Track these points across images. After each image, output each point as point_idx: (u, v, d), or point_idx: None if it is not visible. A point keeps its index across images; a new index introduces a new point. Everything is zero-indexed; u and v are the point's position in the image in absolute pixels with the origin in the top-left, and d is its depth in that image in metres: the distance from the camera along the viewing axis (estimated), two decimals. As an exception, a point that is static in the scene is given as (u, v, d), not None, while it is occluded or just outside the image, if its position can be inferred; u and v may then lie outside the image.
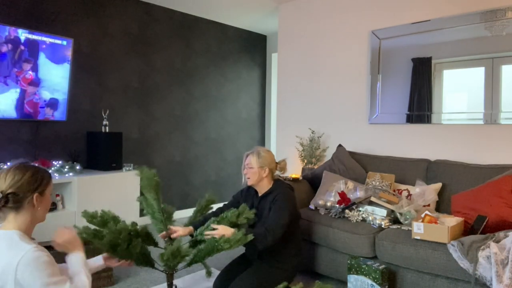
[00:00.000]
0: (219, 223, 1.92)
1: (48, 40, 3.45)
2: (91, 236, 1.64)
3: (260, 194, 2.33)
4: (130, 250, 1.67)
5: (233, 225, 1.92)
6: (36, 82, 3.42)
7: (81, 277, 1.38)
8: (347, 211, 2.72)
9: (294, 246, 2.31)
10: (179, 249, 1.59)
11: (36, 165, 1.43)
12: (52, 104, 3.55)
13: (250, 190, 2.42)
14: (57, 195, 3.41)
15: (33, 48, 3.36)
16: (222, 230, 1.88)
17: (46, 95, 3.51)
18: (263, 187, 2.32)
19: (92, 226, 1.71)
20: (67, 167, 3.49)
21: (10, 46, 3.22)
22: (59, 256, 1.47)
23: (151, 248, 1.82)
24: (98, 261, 1.68)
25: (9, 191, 1.29)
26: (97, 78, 4.03)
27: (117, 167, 3.81)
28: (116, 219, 1.76)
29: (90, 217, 1.74)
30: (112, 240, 1.64)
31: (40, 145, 3.62)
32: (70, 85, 3.68)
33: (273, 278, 2.11)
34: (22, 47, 3.29)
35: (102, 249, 1.64)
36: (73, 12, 3.81)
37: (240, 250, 2.23)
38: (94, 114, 3.99)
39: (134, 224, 1.81)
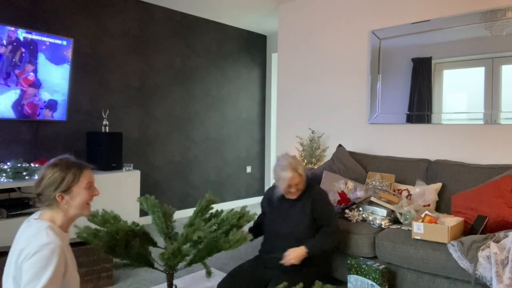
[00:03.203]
0: (219, 225, 1.90)
1: (48, 40, 3.45)
2: (92, 236, 1.63)
3: (294, 197, 2.29)
4: (128, 250, 1.66)
5: (233, 226, 1.91)
6: (36, 84, 3.42)
7: None
8: (347, 211, 2.72)
9: None
10: (179, 249, 1.59)
11: (65, 161, 1.45)
12: (51, 105, 3.55)
13: (274, 195, 2.36)
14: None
15: (32, 49, 3.36)
16: (290, 258, 2.08)
17: (45, 96, 3.51)
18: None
19: (93, 226, 1.70)
20: (67, 167, 3.48)
21: (10, 47, 3.22)
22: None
23: (151, 248, 1.81)
24: None
25: (37, 191, 1.38)
26: (97, 78, 4.03)
27: (117, 167, 3.81)
28: (116, 218, 1.76)
29: (91, 216, 1.74)
30: (110, 241, 1.63)
31: (40, 145, 3.62)
32: (70, 85, 3.68)
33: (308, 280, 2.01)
34: (23, 49, 3.29)
35: (101, 249, 1.64)
36: (73, 12, 3.81)
37: (244, 253, 2.22)
38: (94, 114, 3.99)
39: (134, 224, 1.81)
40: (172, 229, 1.86)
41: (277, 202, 2.35)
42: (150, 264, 1.77)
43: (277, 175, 2.25)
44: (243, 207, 2.02)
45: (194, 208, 1.98)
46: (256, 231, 2.42)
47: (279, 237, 2.25)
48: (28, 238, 1.30)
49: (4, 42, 3.19)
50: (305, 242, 2.18)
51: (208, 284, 2.14)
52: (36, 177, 1.46)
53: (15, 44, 3.25)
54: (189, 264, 1.76)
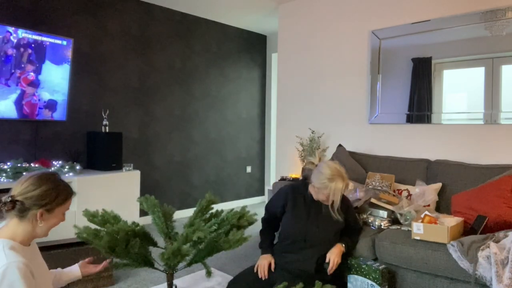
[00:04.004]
0: (219, 225, 1.90)
1: (48, 40, 3.45)
2: (92, 236, 1.63)
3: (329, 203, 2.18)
4: (128, 250, 1.66)
5: (233, 227, 1.90)
6: (35, 83, 3.42)
7: None
8: (347, 211, 2.72)
9: None
10: (179, 249, 1.59)
11: (60, 180, 1.38)
12: (51, 105, 3.55)
13: (300, 193, 2.27)
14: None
15: (40, 52, 3.37)
16: (335, 257, 2.13)
17: (45, 96, 3.51)
18: None
19: (93, 226, 1.70)
20: (67, 167, 3.48)
21: (21, 50, 3.24)
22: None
23: (151, 248, 1.81)
24: (75, 270, 1.61)
25: (18, 198, 1.26)
26: (97, 78, 4.03)
27: (117, 167, 3.81)
28: (116, 218, 1.76)
29: (91, 216, 1.74)
30: (110, 241, 1.63)
31: (40, 145, 3.62)
32: (70, 85, 3.68)
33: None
34: (30, 50, 3.30)
35: (101, 250, 1.64)
36: (73, 12, 3.81)
37: (244, 253, 2.22)
38: (94, 114, 3.99)
39: (134, 224, 1.81)
40: (172, 229, 1.86)
41: (307, 203, 2.24)
42: (150, 264, 1.77)
43: (323, 184, 2.10)
44: (243, 207, 2.01)
45: (194, 208, 1.98)
46: (271, 230, 2.33)
47: (306, 241, 2.17)
48: None
49: (14, 44, 3.20)
50: (340, 239, 2.26)
51: (208, 284, 2.13)
52: (28, 180, 1.30)
53: (24, 46, 3.26)
54: (189, 264, 1.76)
